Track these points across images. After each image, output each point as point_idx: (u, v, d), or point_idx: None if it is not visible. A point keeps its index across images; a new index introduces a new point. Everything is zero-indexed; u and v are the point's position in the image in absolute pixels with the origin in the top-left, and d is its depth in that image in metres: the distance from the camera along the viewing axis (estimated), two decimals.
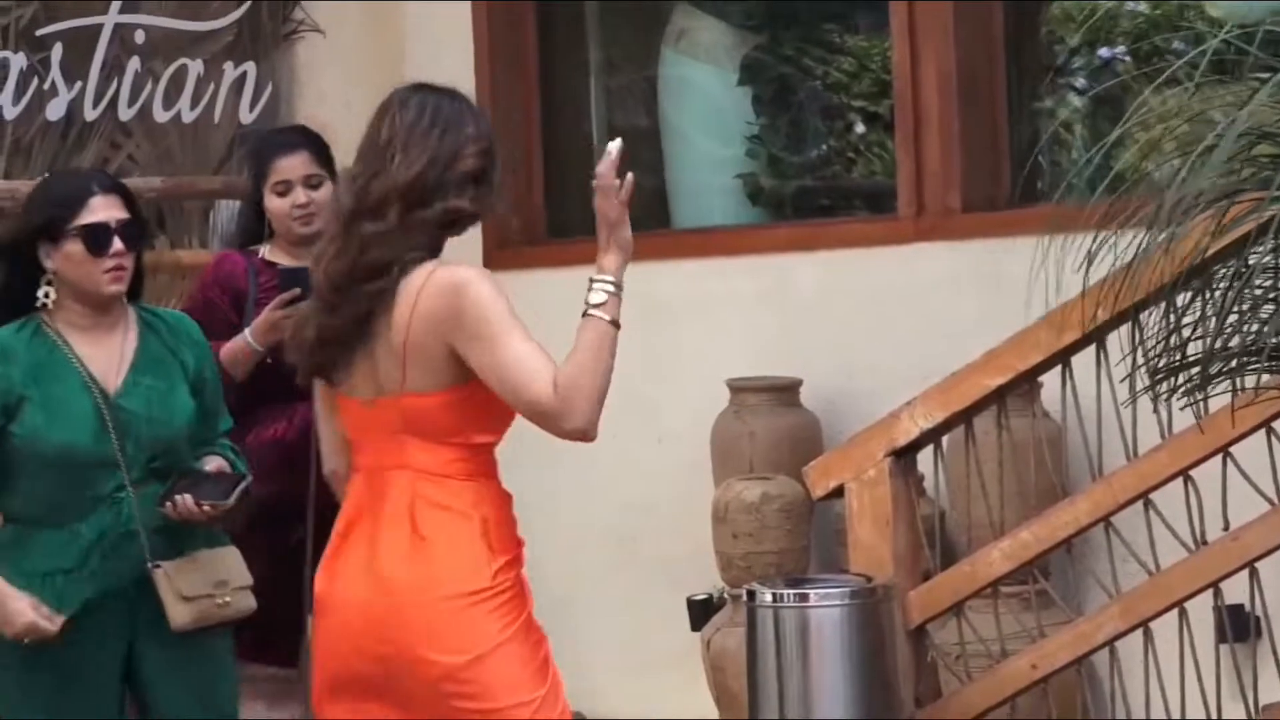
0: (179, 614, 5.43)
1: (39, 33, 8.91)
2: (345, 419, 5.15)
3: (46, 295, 5.53)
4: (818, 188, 9.64)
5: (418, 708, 5.17)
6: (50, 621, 5.29)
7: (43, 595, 5.35)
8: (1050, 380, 6.71)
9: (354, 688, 5.18)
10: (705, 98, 9.76)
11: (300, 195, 6.80)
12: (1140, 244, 5.35)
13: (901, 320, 8.02)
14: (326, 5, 9.56)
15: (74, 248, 5.46)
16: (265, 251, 6.95)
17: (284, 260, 6.72)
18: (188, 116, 9.16)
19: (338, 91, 9.29)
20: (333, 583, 5.13)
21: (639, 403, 8.78)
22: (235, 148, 9.04)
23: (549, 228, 9.57)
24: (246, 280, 6.75)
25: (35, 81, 8.89)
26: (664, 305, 8.87)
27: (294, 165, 6.87)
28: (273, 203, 6.85)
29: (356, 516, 5.10)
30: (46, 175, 7.03)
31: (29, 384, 5.42)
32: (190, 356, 5.70)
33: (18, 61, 8.81)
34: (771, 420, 8.27)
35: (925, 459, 6.96)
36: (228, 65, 9.31)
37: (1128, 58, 8.72)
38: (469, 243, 9.34)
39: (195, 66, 9.21)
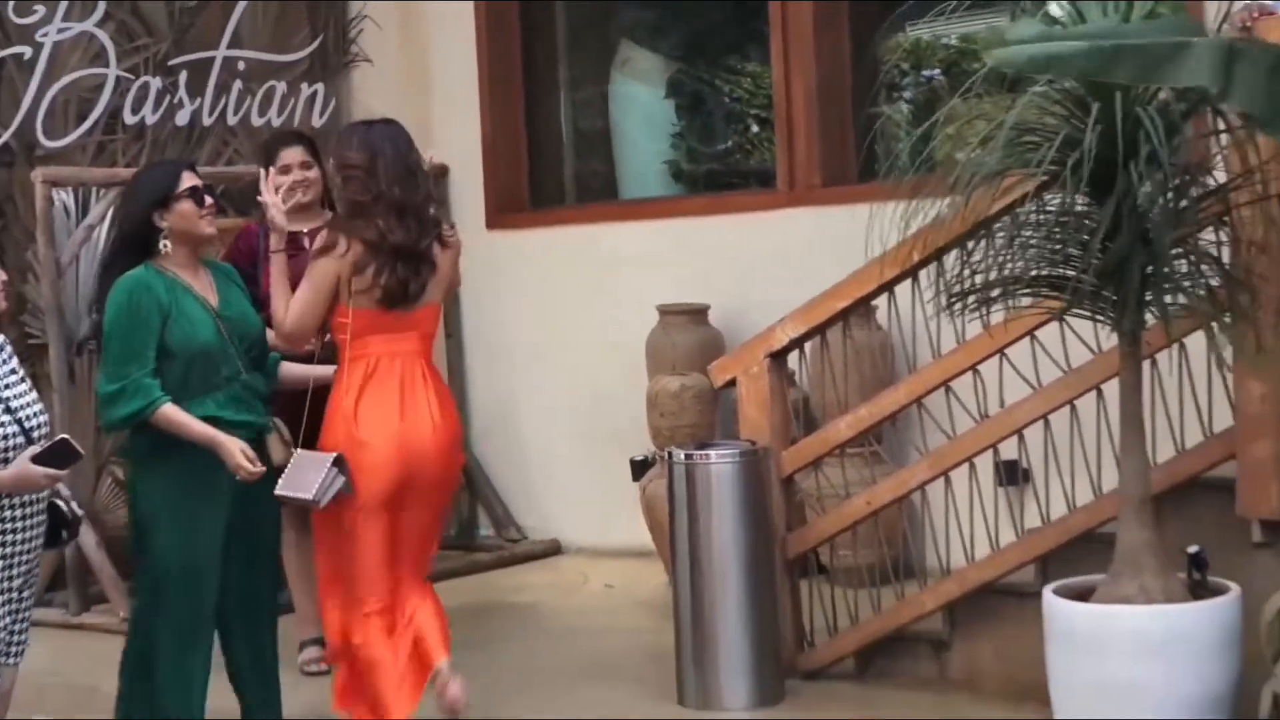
0: (279, 454, 5.55)
1: (170, 62, 9.00)
2: (375, 321, 5.56)
3: (164, 245, 5.49)
4: (722, 170, 9.66)
5: (438, 500, 5.87)
6: (254, 464, 5.35)
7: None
8: (881, 303, 6.63)
9: (402, 496, 5.62)
10: (642, 107, 9.77)
11: (297, 175, 6.85)
12: (944, 206, 5.30)
13: (779, 263, 8.01)
14: (373, 41, 9.50)
15: (185, 206, 5.50)
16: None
17: (290, 227, 6.17)
18: (276, 122, 9.19)
19: (380, 104, 9.18)
20: (403, 423, 5.59)
21: (597, 324, 8.79)
22: None
23: (531, 200, 9.51)
24: (258, 243, 6.65)
25: (168, 98, 8.97)
26: (614, 253, 8.91)
27: (292, 154, 6.96)
28: (277, 180, 6.53)
29: (398, 384, 5.61)
30: (142, 166, 7.20)
31: (170, 303, 5.40)
32: (240, 288, 5.76)
33: (155, 83, 8.88)
34: (688, 334, 8.32)
35: (793, 360, 6.91)
36: (303, 85, 9.35)
37: (943, 76, 8.71)
38: (475, 210, 9.37)
39: (280, 86, 9.28)
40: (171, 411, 5.34)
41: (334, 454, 5.51)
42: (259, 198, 5.89)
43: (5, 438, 4.94)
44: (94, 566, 8.19)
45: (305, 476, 5.54)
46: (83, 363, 8.26)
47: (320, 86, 9.34)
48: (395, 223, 5.55)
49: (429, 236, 5.66)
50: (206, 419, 5.41)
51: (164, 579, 5.50)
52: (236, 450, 5.33)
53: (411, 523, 5.72)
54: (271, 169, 6.59)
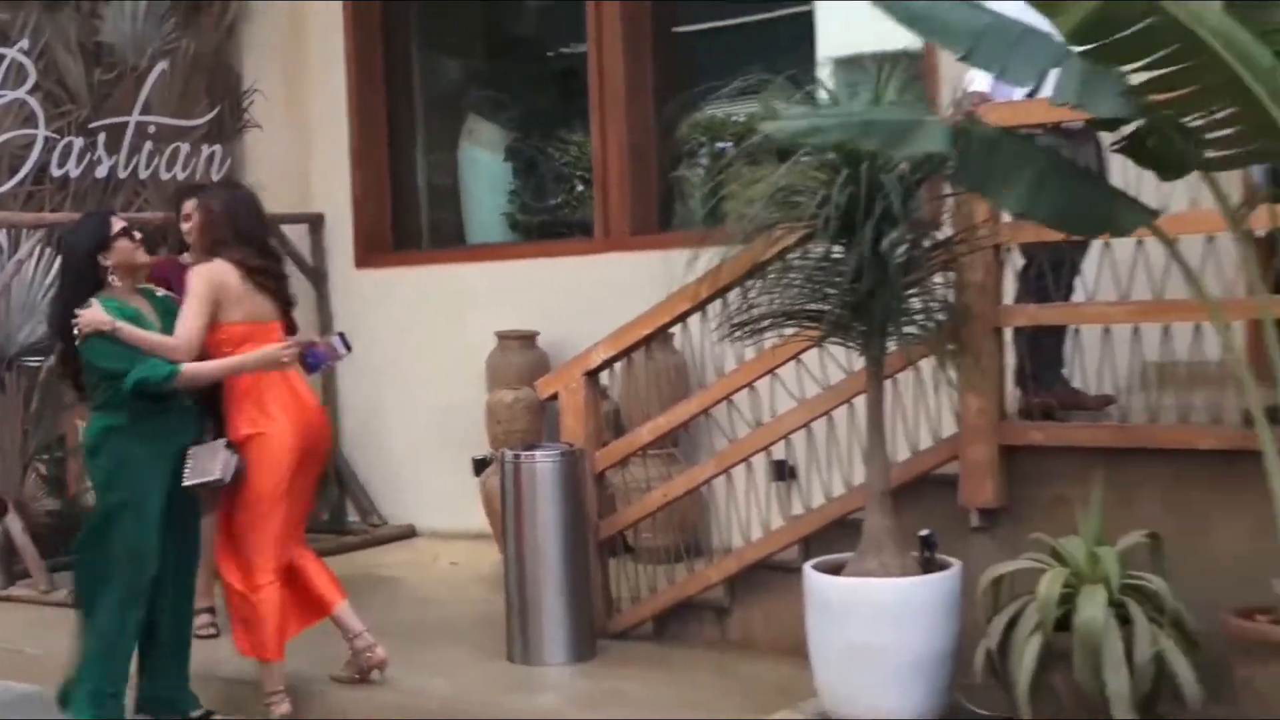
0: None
1: (91, 125, 8.80)
2: (245, 333, 5.74)
3: (113, 278, 5.59)
4: (551, 221, 9.59)
5: (320, 469, 6.14)
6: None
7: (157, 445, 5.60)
8: (677, 331, 6.68)
9: (309, 456, 5.81)
10: (485, 168, 9.75)
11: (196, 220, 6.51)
12: (727, 252, 5.34)
13: (595, 297, 7.98)
14: (262, 110, 9.39)
15: (122, 243, 5.61)
16: (185, 257, 6.86)
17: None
18: (180, 177, 8.99)
19: (268, 163, 9.17)
20: (302, 401, 5.85)
21: (446, 346, 8.76)
22: None
23: (394, 244, 9.46)
24: (169, 274, 6.47)
25: (89, 155, 8.76)
26: (461, 289, 8.90)
27: (192, 205, 6.65)
28: (182, 226, 6.78)
29: (280, 378, 5.81)
30: (79, 215, 7.01)
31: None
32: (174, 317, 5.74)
33: (78, 143, 8.69)
34: (520, 356, 8.32)
35: (606, 377, 6.90)
36: (204, 146, 9.18)
37: (733, 147, 8.78)
38: (346, 251, 9.31)
39: (184, 147, 9.10)
40: (189, 370, 5.54)
41: (224, 440, 5.65)
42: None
43: None
44: (19, 547, 8.08)
45: (208, 464, 5.60)
46: (12, 376, 8.15)
47: (218, 147, 9.20)
48: (253, 253, 5.79)
49: (276, 263, 5.99)
50: (156, 431, 5.55)
51: (121, 552, 5.52)
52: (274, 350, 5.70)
53: (303, 488, 5.90)
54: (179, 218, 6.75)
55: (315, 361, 6.00)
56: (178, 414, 5.68)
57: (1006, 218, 5.44)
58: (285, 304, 5.94)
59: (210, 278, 5.69)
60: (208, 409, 5.82)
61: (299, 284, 8.88)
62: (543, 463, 6.36)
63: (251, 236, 5.87)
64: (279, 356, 5.72)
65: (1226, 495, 5.26)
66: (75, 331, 5.50)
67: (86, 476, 7.99)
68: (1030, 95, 4.78)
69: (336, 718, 5.99)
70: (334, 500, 9.11)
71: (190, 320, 5.62)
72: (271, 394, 5.76)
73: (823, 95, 5.44)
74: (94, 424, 5.68)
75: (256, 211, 6.03)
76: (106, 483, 5.63)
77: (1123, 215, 4.77)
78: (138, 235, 5.68)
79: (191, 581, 5.99)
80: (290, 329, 5.98)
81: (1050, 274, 5.75)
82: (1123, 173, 5.07)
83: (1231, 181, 4.87)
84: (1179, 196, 5.17)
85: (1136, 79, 4.46)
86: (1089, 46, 4.33)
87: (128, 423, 5.55)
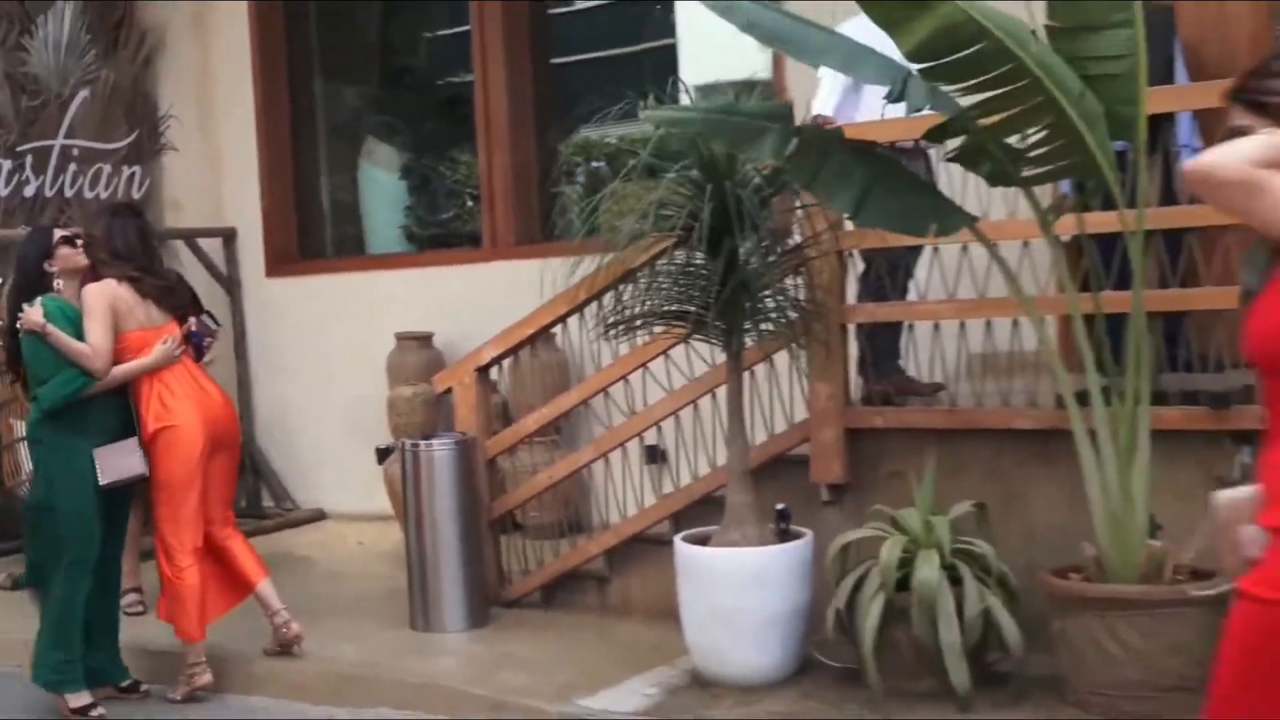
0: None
1: (18, 148, 8.58)
2: (141, 339, 5.65)
3: (58, 284, 5.62)
4: (443, 233, 9.43)
5: (234, 453, 5.97)
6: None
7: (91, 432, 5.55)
8: (559, 330, 6.62)
9: (217, 446, 5.73)
10: (383, 186, 9.59)
11: None
12: (603, 260, 5.30)
13: (484, 301, 7.83)
14: (178, 134, 9.20)
15: (64, 250, 5.64)
16: None
17: None
18: (103, 196, 8.76)
19: (183, 183, 8.98)
20: (208, 396, 5.78)
21: (350, 347, 8.63)
22: None
23: (300, 255, 9.29)
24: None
25: (17, 175, 8.51)
26: (362, 295, 8.74)
27: None
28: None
29: (189, 376, 5.75)
30: (29, 229, 7.00)
31: (78, 326, 5.51)
32: None
33: (6, 164, 8.47)
34: (418, 355, 8.16)
35: (495, 373, 6.87)
36: (124, 167, 8.94)
37: (606, 166, 8.74)
38: (257, 262, 9.14)
39: (106, 168, 8.85)
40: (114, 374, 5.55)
41: (132, 438, 5.61)
42: None
43: None
44: None
45: (123, 461, 5.51)
46: None
47: (138, 169, 8.98)
48: (131, 267, 5.73)
49: (158, 274, 5.92)
50: (89, 419, 5.51)
51: (67, 530, 5.47)
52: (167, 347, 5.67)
53: (217, 475, 5.83)
54: None
55: (198, 342, 5.93)
56: (108, 405, 5.62)
57: (849, 226, 5.46)
58: (173, 309, 5.82)
59: (101, 294, 5.62)
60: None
61: (215, 292, 8.78)
62: (439, 450, 6.28)
63: (130, 254, 5.77)
64: (171, 351, 5.67)
65: (1042, 469, 5.32)
66: (18, 328, 5.54)
67: (20, 470, 7.89)
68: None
69: (255, 685, 5.88)
70: (250, 487, 8.95)
71: (96, 334, 5.54)
72: (179, 390, 5.68)
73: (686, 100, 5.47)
74: (33, 415, 5.65)
75: (135, 231, 5.90)
76: (49, 467, 5.57)
77: (947, 219, 4.81)
78: (79, 242, 5.69)
79: (119, 563, 5.94)
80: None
81: (887, 277, 5.78)
82: (948, 185, 5.12)
83: (1043, 192, 4.93)
84: (997, 207, 5.23)
85: (967, 100, 4.51)
86: (927, 65, 4.36)
87: (64, 413, 5.51)
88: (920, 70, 4.43)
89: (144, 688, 5.85)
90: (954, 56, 4.30)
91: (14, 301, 5.68)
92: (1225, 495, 2.69)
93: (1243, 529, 2.54)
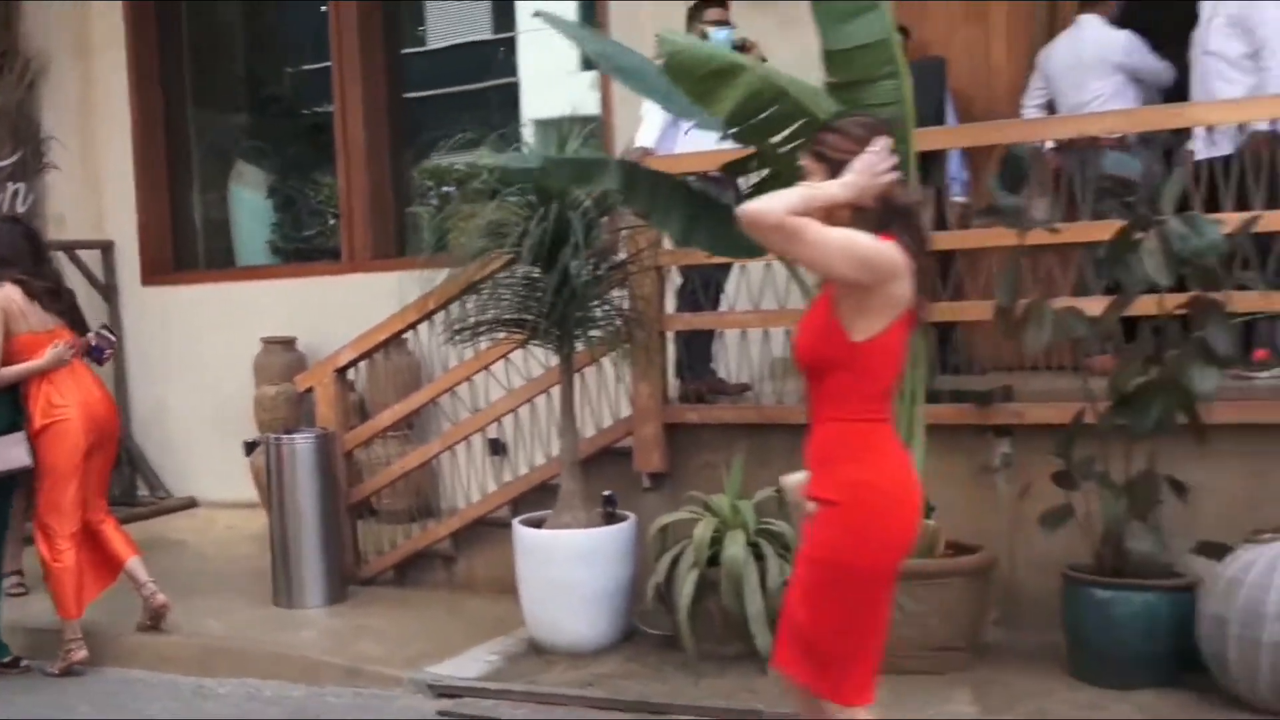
0: None
1: None
2: (34, 341, 5.47)
3: None
4: (306, 248, 9.22)
5: (112, 447, 5.74)
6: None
7: None
8: (410, 335, 6.54)
9: (98, 439, 5.54)
10: (250, 206, 9.35)
11: None
12: (450, 273, 5.27)
13: (343, 309, 7.64)
14: (60, 153, 8.88)
15: None
16: None
17: None
18: None
19: (66, 198, 8.67)
20: (90, 393, 5.58)
21: (220, 349, 8.42)
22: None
23: (174, 265, 9.01)
24: None
25: None
26: (232, 302, 8.54)
27: None
28: None
29: (72, 376, 5.55)
30: None
31: None
32: None
33: None
34: (281, 357, 7.95)
35: (353, 374, 6.75)
36: (9, 183, 8.59)
37: (456, 189, 8.63)
38: (133, 272, 8.86)
39: None
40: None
41: (19, 432, 5.42)
42: None
43: None
44: None
45: (9, 453, 5.39)
46: None
47: (22, 185, 8.64)
48: (19, 272, 5.53)
49: (49, 280, 5.71)
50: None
51: None
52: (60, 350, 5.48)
53: (96, 467, 5.65)
54: None
55: (98, 354, 5.74)
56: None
57: (667, 245, 5.50)
58: (59, 312, 5.62)
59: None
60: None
61: (94, 300, 8.48)
62: (301, 443, 6.16)
63: (17, 258, 5.56)
64: (62, 355, 5.48)
65: None
66: None
67: None
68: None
69: (130, 659, 5.70)
70: (126, 479, 8.67)
71: None
72: (66, 389, 5.49)
73: (525, 148, 5.45)
74: None
75: (23, 239, 5.68)
76: None
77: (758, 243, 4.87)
78: None
79: (1, 548, 5.74)
80: (81, 333, 5.68)
81: (701, 290, 5.84)
82: None
83: None
84: None
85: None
86: (738, 129, 4.44)
87: None
88: (733, 134, 4.49)
89: (24, 663, 5.63)
90: (758, 118, 4.38)
91: None
92: (791, 478, 3.14)
93: (805, 502, 2.99)
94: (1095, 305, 4.61)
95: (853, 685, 2.99)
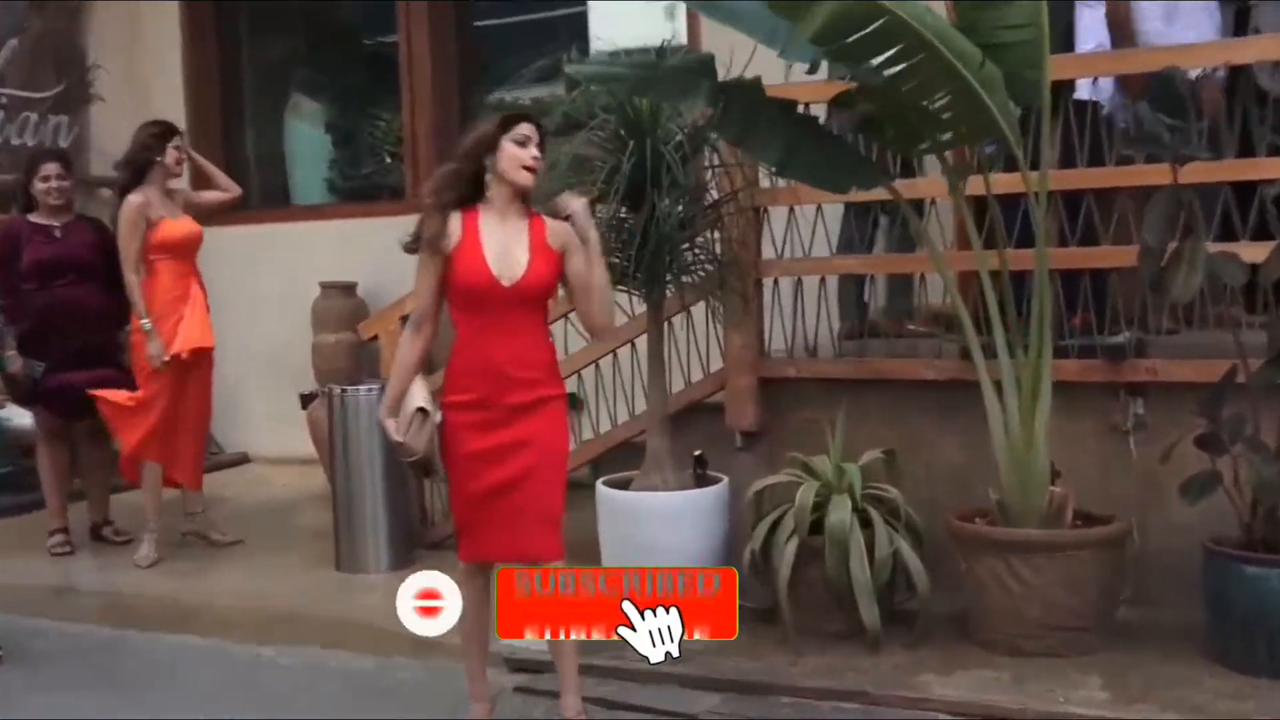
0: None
1: None
2: None
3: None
4: (365, 186, 9.12)
5: None
6: None
7: None
8: None
9: None
10: (308, 139, 9.27)
11: (54, 184, 6.47)
12: None
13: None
14: (106, 83, 8.85)
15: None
16: (33, 216, 6.53)
17: (43, 221, 6.49)
18: (30, 143, 8.39)
19: (110, 132, 8.55)
20: None
21: (278, 294, 8.38)
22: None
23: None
24: (21, 232, 6.45)
25: None
26: (289, 243, 8.50)
27: (51, 168, 6.54)
28: (37, 187, 6.47)
29: None
30: None
31: None
32: None
33: None
34: (342, 303, 7.93)
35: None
36: (51, 116, 8.57)
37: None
38: None
39: (34, 116, 8.50)
40: None
41: None
42: None
43: None
44: None
45: None
46: None
47: (65, 118, 8.65)
48: None
49: None
50: None
51: None
52: None
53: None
54: (34, 180, 6.49)
55: None
56: None
57: (764, 184, 5.32)
58: None
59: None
60: None
61: None
62: (365, 396, 6.07)
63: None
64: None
65: (945, 419, 5.24)
66: None
67: None
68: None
69: (184, 624, 5.64)
70: None
71: None
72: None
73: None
74: None
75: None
76: None
77: (865, 176, 4.70)
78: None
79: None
80: None
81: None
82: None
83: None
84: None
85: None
86: (829, 47, 4.22)
87: None
88: (825, 54, 4.29)
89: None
90: (854, 37, 4.15)
91: None
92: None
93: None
94: (1252, 251, 4.38)
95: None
